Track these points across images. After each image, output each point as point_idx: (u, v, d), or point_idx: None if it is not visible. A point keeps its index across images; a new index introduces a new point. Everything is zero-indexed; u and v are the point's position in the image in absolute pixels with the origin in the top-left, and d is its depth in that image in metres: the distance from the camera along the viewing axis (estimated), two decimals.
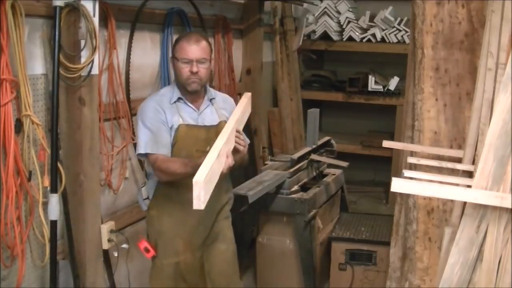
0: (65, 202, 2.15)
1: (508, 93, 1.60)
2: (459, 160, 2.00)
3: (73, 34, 2.08)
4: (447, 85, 2.14)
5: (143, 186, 2.29)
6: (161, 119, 2.12)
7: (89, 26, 2.06)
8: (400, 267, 2.37)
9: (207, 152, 1.81)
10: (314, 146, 3.38)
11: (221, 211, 2.30)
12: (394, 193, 1.87)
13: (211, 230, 2.26)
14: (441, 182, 1.76)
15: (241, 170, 2.74)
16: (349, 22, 4.63)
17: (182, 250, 2.22)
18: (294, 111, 4.45)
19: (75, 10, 2.04)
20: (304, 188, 3.09)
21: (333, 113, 5.08)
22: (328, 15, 4.66)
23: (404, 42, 4.38)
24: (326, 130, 4.68)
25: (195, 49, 2.10)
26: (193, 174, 1.66)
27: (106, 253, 2.39)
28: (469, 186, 1.67)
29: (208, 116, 2.21)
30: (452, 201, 1.94)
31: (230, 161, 1.89)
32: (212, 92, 2.28)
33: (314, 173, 3.39)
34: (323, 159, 3.44)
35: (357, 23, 4.64)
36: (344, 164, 3.38)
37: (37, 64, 2.05)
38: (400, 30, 4.50)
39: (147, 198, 2.26)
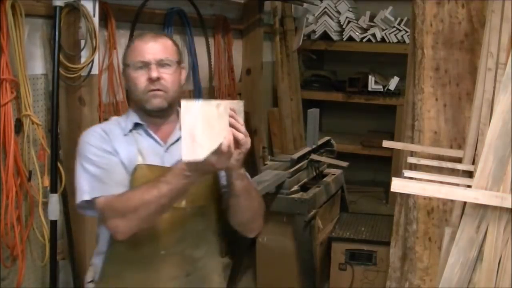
0: (65, 202, 2.15)
1: (508, 93, 1.59)
2: (459, 160, 2.00)
3: (73, 34, 2.07)
4: (447, 85, 2.14)
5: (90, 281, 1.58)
6: (109, 151, 1.47)
7: (89, 26, 2.06)
8: (400, 267, 2.37)
9: (183, 208, 1.45)
10: (314, 146, 3.39)
11: None
12: (394, 193, 1.87)
13: None
14: (441, 182, 1.76)
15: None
16: (349, 22, 4.63)
17: None
18: (294, 111, 4.44)
19: (75, 10, 2.04)
20: (304, 188, 3.09)
21: (333, 113, 5.07)
22: (328, 15, 4.65)
23: (404, 42, 4.38)
24: (326, 130, 4.67)
25: (153, 46, 1.49)
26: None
27: None
28: (469, 186, 1.67)
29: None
30: (452, 201, 1.94)
31: (242, 137, 1.31)
32: None
33: (314, 173, 3.39)
34: (323, 159, 3.44)
35: (357, 23, 4.64)
36: (344, 164, 3.38)
37: (37, 64, 2.06)
38: (400, 30, 4.49)
39: (92, 280, 1.56)
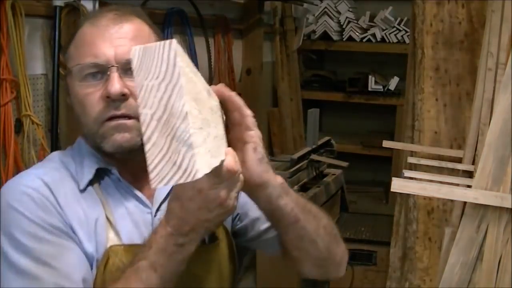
0: None
1: (508, 93, 1.60)
2: (459, 160, 2.00)
3: (73, 34, 2.07)
4: (447, 85, 2.14)
5: None
6: (57, 226, 0.87)
7: None
8: (400, 267, 2.37)
9: None
10: (314, 146, 3.38)
11: None
12: (394, 193, 1.87)
13: None
14: (441, 182, 1.76)
15: None
16: (349, 22, 4.63)
17: None
18: (294, 111, 4.44)
19: (75, 10, 2.04)
20: (304, 188, 3.09)
21: (333, 113, 5.07)
22: (328, 15, 4.65)
23: (404, 42, 4.38)
24: (326, 130, 4.67)
25: (115, 35, 0.93)
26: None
27: None
28: (469, 186, 1.67)
29: None
30: (452, 201, 1.94)
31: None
32: None
33: (314, 173, 3.39)
34: (323, 159, 3.44)
35: (357, 23, 4.64)
36: (344, 164, 3.37)
37: (37, 64, 2.05)
38: (400, 30, 4.49)
39: None
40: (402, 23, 4.48)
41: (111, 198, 0.95)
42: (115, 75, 0.90)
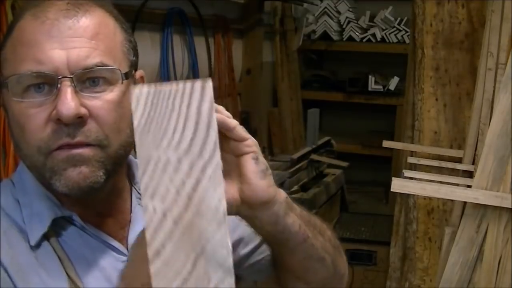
0: None
1: (508, 93, 1.59)
2: (459, 160, 2.00)
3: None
4: (447, 85, 2.14)
5: None
6: None
7: None
8: (400, 267, 2.37)
9: None
10: (314, 146, 3.39)
11: None
12: (394, 193, 1.87)
13: None
14: (441, 182, 1.76)
15: None
16: (349, 22, 4.63)
17: None
18: (294, 111, 4.45)
19: None
20: (304, 188, 3.09)
21: (333, 113, 5.07)
22: (328, 15, 4.66)
23: (404, 42, 4.38)
24: (326, 130, 4.67)
25: (67, 32, 0.66)
26: None
27: None
28: (469, 186, 1.67)
29: None
30: (452, 201, 1.94)
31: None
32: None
33: (314, 173, 3.39)
34: (323, 159, 3.44)
35: (357, 23, 4.64)
36: (344, 164, 3.38)
37: None
38: (400, 30, 4.49)
39: None
40: (402, 23, 4.48)
41: (74, 253, 0.71)
42: (67, 90, 0.64)
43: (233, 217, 0.66)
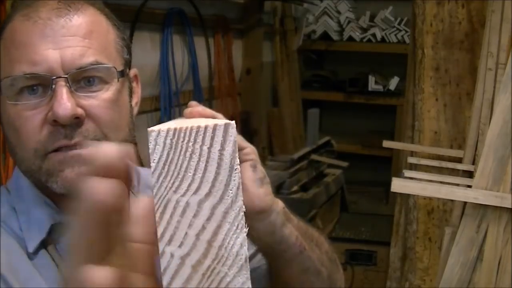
0: None
1: (508, 93, 1.60)
2: (459, 160, 2.00)
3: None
4: (447, 85, 2.15)
5: None
6: None
7: None
8: (400, 267, 2.37)
9: None
10: (314, 146, 3.39)
11: None
12: (394, 193, 1.87)
13: None
14: (441, 182, 1.76)
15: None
16: (349, 22, 4.63)
17: None
18: (294, 111, 4.45)
19: None
20: (304, 188, 3.09)
21: (333, 113, 5.07)
22: (328, 15, 4.66)
23: (404, 42, 4.39)
24: (326, 130, 4.67)
25: (61, 31, 0.66)
26: None
27: None
28: (469, 186, 1.67)
29: None
30: (452, 201, 1.94)
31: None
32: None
33: (314, 173, 3.39)
34: (323, 159, 3.44)
35: (357, 23, 4.64)
36: (344, 164, 3.38)
37: None
38: (400, 30, 4.50)
39: None
40: (402, 23, 4.48)
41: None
42: (63, 90, 0.63)
43: None
